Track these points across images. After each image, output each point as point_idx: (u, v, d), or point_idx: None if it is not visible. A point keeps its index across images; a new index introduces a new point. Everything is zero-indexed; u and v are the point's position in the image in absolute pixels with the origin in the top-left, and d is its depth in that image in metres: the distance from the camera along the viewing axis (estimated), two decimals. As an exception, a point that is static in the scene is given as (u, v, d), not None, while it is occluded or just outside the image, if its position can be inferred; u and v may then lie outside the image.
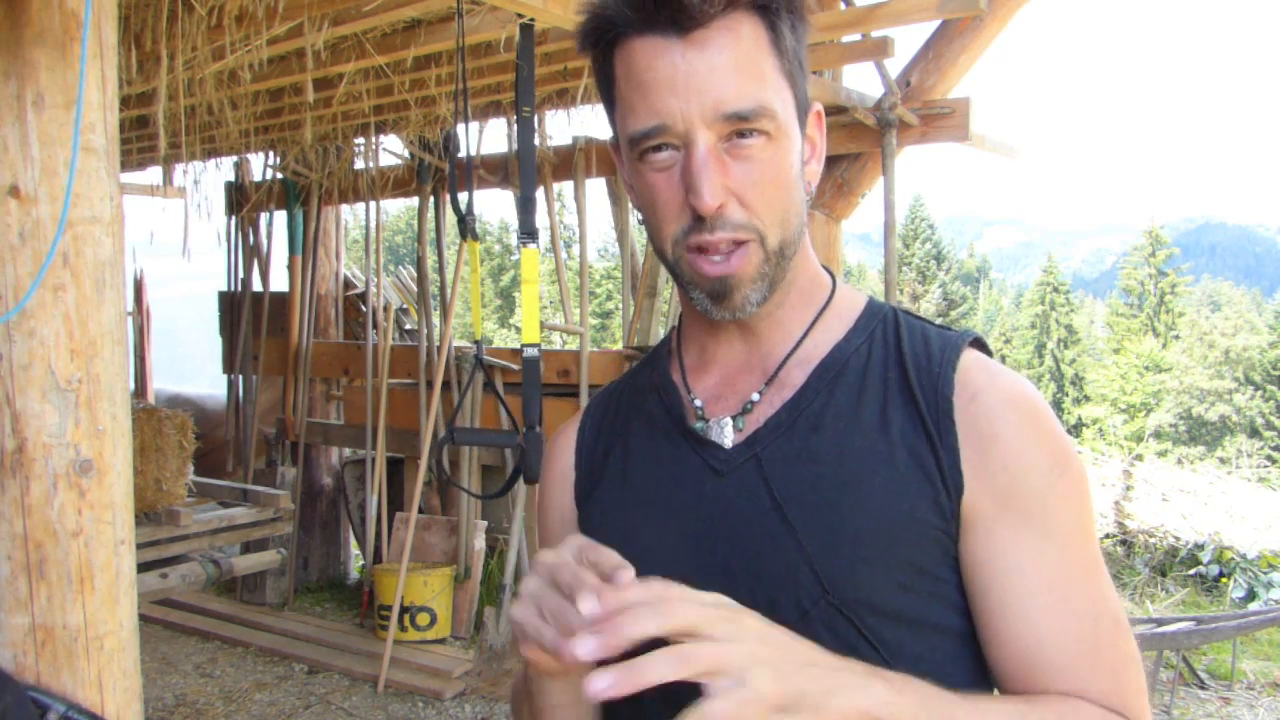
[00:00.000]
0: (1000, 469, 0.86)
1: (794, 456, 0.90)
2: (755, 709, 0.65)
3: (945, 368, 0.90)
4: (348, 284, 6.60)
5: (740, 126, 0.85)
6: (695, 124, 0.84)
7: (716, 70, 0.84)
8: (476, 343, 3.30)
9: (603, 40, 0.89)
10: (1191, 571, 6.69)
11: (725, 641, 0.67)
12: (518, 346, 3.45)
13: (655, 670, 0.65)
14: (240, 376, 6.32)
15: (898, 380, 0.92)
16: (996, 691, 0.91)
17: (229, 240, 6.32)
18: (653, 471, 0.98)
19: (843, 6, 3.72)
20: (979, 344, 0.95)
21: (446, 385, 5.26)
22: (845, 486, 0.88)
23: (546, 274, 23.04)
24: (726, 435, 0.94)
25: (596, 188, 5.25)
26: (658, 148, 0.86)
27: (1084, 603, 0.85)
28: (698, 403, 0.99)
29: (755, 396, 0.95)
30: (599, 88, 0.95)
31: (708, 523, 0.92)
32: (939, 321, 0.98)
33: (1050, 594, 0.85)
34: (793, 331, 0.97)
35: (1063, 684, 0.84)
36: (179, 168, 5.98)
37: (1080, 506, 0.88)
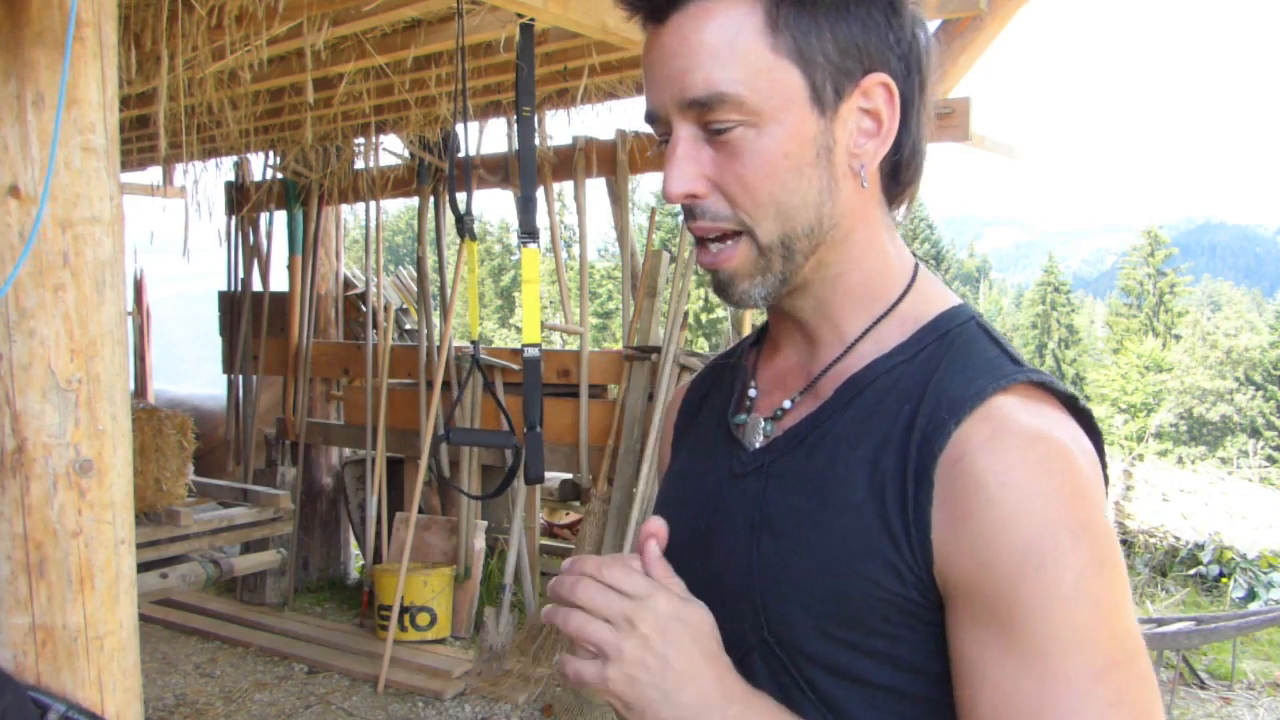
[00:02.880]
0: (967, 552, 0.73)
1: (787, 477, 0.86)
2: (595, 684, 0.79)
3: (955, 414, 0.77)
4: (348, 284, 6.60)
5: (708, 116, 0.80)
6: (671, 112, 0.82)
7: (678, 57, 0.80)
8: (474, 343, 3.30)
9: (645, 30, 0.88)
10: (1191, 571, 6.68)
11: (613, 625, 0.79)
12: (518, 346, 3.45)
13: (556, 616, 0.82)
14: (240, 376, 6.32)
15: (906, 419, 0.80)
16: None
17: (229, 240, 6.32)
18: (696, 459, 0.97)
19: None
20: (1045, 385, 0.80)
21: (446, 385, 5.26)
22: (806, 523, 0.82)
23: (546, 274, 23.04)
24: (756, 437, 0.91)
25: (596, 188, 5.25)
26: (663, 135, 0.85)
27: None
28: (752, 392, 0.95)
29: (787, 404, 0.90)
30: None
31: (708, 525, 0.90)
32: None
33: (1007, 707, 0.71)
34: (847, 334, 0.88)
35: None
36: (179, 168, 5.99)
37: (1071, 609, 0.71)
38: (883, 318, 0.87)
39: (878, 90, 0.82)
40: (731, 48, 0.78)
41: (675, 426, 1.06)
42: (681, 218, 0.88)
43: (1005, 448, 0.74)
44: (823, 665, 0.81)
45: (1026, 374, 0.79)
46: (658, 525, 0.84)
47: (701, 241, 0.86)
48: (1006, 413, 0.76)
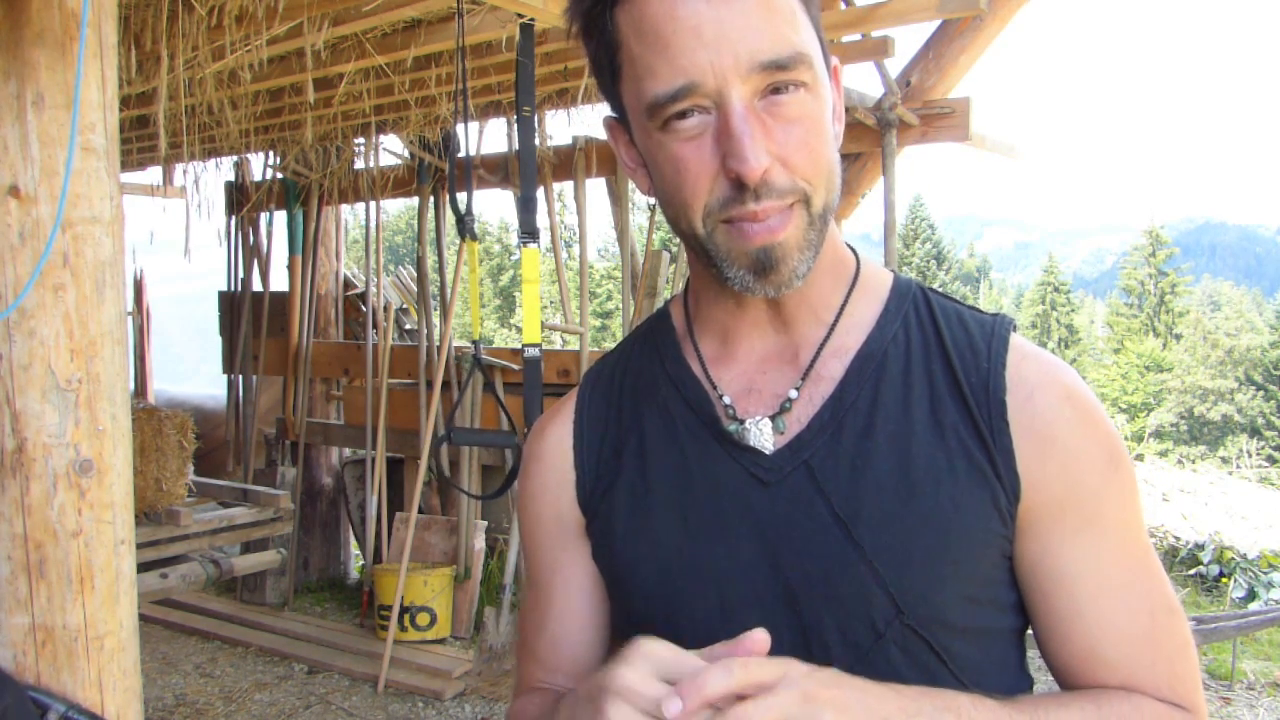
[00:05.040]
0: (1058, 472, 0.82)
1: (848, 464, 0.84)
2: None
3: (994, 363, 0.85)
4: (348, 284, 6.60)
5: (778, 78, 0.76)
6: (729, 78, 0.74)
7: (750, 14, 0.74)
8: (474, 343, 3.30)
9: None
10: (1191, 571, 6.68)
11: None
12: (518, 346, 3.45)
13: (715, 681, 0.64)
14: (240, 376, 6.33)
15: (944, 376, 0.85)
16: (1041, 687, 0.90)
17: (229, 240, 6.33)
18: (682, 478, 0.89)
19: (843, 6, 3.72)
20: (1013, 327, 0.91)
21: (446, 385, 5.26)
22: (910, 499, 0.82)
23: (546, 274, 23.04)
24: (766, 439, 0.86)
25: (596, 188, 5.25)
26: (684, 113, 0.77)
27: (1139, 596, 0.84)
28: (726, 400, 0.89)
29: (793, 394, 0.87)
30: (596, 58, 0.84)
31: (762, 539, 0.85)
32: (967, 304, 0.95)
33: (1107, 592, 0.83)
34: (822, 314, 0.89)
35: (1121, 678, 0.83)
36: (179, 168, 5.98)
37: (1132, 498, 0.86)
38: (851, 292, 0.90)
39: (834, 74, 0.85)
40: (790, 8, 0.77)
41: (578, 466, 0.95)
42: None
43: (1055, 378, 0.85)
44: (959, 629, 0.84)
45: (1003, 318, 0.89)
46: (762, 636, 0.71)
47: (734, 224, 0.79)
48: (1029, 349, 0.87)
